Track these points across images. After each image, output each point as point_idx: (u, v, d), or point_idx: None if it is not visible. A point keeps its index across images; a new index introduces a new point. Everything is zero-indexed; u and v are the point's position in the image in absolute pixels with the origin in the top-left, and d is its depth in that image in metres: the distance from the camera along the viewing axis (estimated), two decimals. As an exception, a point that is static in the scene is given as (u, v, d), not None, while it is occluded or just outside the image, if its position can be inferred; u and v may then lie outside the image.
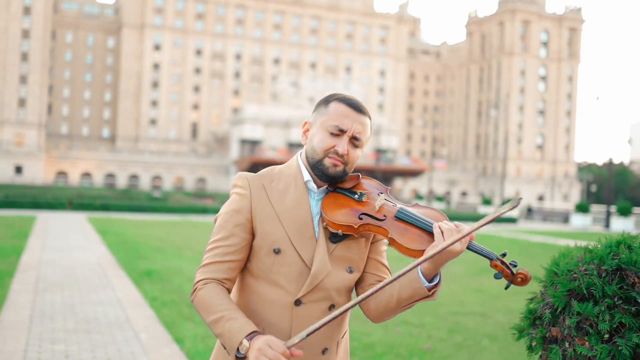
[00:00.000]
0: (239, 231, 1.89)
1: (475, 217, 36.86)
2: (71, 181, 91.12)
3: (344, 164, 1.92)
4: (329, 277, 1.89)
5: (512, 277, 1.89)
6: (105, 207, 31.30)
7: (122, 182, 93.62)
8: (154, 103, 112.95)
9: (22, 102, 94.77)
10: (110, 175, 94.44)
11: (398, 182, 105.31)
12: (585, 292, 2.12)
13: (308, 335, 1.70)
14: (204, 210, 33.27)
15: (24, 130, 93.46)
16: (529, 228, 34.26)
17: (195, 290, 1.86)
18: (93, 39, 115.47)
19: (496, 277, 1.88)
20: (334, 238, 1.92)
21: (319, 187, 1.97)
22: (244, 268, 1.94)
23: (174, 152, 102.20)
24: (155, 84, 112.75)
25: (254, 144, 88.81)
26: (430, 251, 1.79)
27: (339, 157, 1.91)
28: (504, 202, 44.87)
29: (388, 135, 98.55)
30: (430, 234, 1.88)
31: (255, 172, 1.99)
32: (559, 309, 2.16)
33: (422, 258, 1.78)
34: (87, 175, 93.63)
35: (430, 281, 1.86)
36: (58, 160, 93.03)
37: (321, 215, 1.93)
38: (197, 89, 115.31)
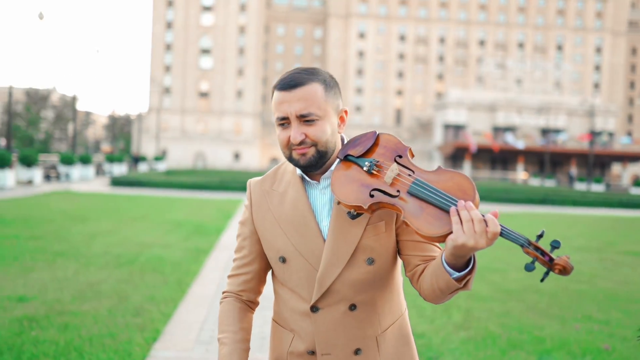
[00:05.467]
0: (247, 243, 1.85)
1: None
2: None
3: (313, 146, 1.68)
4: (340, 278, 1.72)
5: (549, 264, 1.45)
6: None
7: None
8: (359, 90, 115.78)
9: (239, 94, 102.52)
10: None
11: (616, 168, 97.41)
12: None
13: None
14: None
15: (241, 120, 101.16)
16: None
17: (220, 302, 1.90)
18: (302, 31, 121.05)
19: (527, 268, 1.44)
20: (351, 216, 1.65)
21: (312, 178, 1.77)
22: (273, 275, 1.88)
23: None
24: (359, 72, 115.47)
25: (457, 128, 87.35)
26: (448, 243, 1.50)
27: (300, 146, 1.68)
28: None
29: (604, 117, 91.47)
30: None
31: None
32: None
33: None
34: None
35: (460, 270, 1.57)
36: (271, 146, 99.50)
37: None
38: (400, 74, 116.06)
